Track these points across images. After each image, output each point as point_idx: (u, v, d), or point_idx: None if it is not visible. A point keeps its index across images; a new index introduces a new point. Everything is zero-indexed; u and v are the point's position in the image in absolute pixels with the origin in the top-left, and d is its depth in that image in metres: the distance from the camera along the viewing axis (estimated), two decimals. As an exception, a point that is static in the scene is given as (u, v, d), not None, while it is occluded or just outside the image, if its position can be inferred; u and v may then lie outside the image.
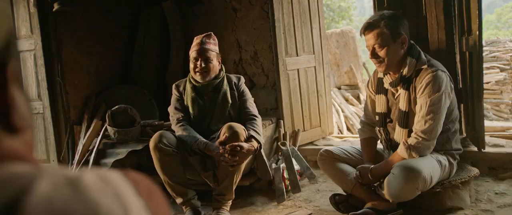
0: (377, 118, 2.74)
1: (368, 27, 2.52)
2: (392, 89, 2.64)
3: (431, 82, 2.41)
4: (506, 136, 3.50)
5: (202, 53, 2.86)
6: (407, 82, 2.53)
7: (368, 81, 2.90)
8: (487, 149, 3.09)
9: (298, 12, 3.87)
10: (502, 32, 23.06)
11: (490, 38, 11.30)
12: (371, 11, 4.02)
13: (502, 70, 8.29)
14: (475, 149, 3.11)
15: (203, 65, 2.85)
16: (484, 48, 8.58)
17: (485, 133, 3.09)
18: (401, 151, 2.49)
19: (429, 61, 2.53)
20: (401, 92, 2.56)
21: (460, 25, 3.16)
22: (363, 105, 6.78)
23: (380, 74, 2.69)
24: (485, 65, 6.98)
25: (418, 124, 2.44)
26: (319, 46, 4.08)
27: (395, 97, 2.64)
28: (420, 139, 2.42)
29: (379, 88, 2.71)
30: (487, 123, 3.62)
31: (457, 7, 3.17)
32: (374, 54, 2.53)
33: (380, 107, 2.71)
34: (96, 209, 0.39)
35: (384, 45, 2.48)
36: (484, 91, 3.89)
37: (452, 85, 2.53)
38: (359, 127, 2.92)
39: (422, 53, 2.56)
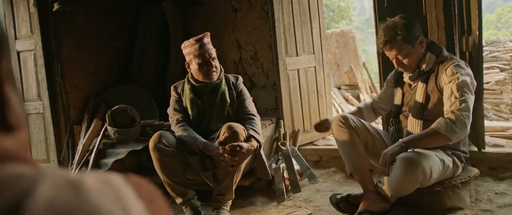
0: (393, 108, 2.82)
1: (386, 44, 2.56)
2: (410, 82, 2.70)
3: (456, 69, 2.46)
4: (506, 136, 3.50)
5: (210, 53, 2.87)
6: (426, 76, 2.59)
7: (388, 76, 2.97)
8: (487, 149, 3.10)
9: (298, 12, 3.87)
10: (502, 32, 23.05)
11: (490, 38, 11.30)
12: (371, 11, 4.02)
13: (502, 70, 8.28)
14: (475, 149, 3.11)
15: (215, 64, 2.88)
16: (484, 48, 8.58)
17: (485, 133, 3.09)
18: (439, 125, 2.38)
19: (451, 56, 2.61)
20: (419, 84, 2.61)
21: (460, 25, 3.16)
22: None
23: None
24: (485, 65, 6.97)
25: (453, 105, 2.40)
26: (319, 46, 4.08)
27: (412, 88, 2.69)
28: (459, 114, 2.36)
29: (398, 81, 2.79)
30: (487, 123, 3.62)
31: (457, 7, 3.17)
32: (400, 64, 2.61)
33: (397, 99, 2.78)
34: (98, 212, 0.39)
35: (407, 55, 2.55)
36: (484, 91, 3.89)
37: (475, 83, 2.54)
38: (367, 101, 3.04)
39: (444, 50, 2.62)
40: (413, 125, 2.60)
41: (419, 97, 2.60)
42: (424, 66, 2.58)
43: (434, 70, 2.57)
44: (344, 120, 2.71)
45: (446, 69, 2.50)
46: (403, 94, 2.75)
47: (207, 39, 2.90)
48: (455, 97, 2.41)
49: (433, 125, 2.43)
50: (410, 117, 2.62)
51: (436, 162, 2.48)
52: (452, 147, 2.59)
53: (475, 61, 2.92)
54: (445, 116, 2.41)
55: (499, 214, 2.57)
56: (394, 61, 2.63)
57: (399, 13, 3.43)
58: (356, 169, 2.66)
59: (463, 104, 2.38)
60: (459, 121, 2.36)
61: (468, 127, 2.41)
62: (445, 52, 2.60)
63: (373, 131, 2.78)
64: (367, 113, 2.95)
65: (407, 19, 2.57)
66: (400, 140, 2.51)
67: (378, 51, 3.54)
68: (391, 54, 2.60)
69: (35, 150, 4.02)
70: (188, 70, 2.97)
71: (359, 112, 2.95)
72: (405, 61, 2.57)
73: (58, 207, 0.38)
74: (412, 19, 2.60)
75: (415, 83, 2.66)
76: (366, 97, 7.11)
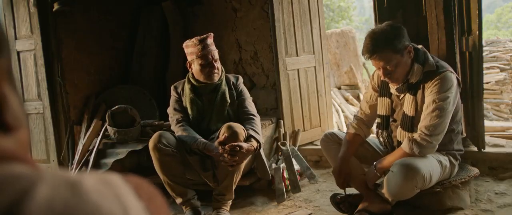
0: (378, 120, 2.73)
1: (373, 54, 2.43)
2: (397, 93, 2.61)
3: (440, 83, 2.40)
4: (506, 136, 3.50)
5: (213, 54, 2.86)
6: (414, 88, 2.50)
7: (373, 74, 2.80)
8: (487, 149, 3.09)
9: (298, 12, 3.87)
10: (502, 32, 23.06)
11: (490, 38, 11.30)
12: (371, 11, 4.02)
13: (502, 70, 8.28)
14: (475, 149, 3.11)
15: (217, 66, 2.88)
16: (484, 48, 8.58)
17: (485, 133, 3.09)
18: (404, 144, 2.47)
19: (437, 62, 2.51)
20: (407, 96, 2.53)
21: (460, 25, 3.16)
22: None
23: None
24: (485, 65, 6.97)
25: (423, 121, 2.42)
26: (319, 46, 4.08)
27: (400, 98, 2.62)
28: (423, 135, 2.40)
29: (383, 91, 2.67)
30: (487, 123, 3.62)
31: (457, 7, 3.17)
32: (386, 74, 2.48)
33: (383, 110, 2.68)
34: (97, 212, 0.39)
35: (396, 65, 2.43)
36: (484, 91, 3.90)
37: (460, 87, 2.51)
38: (351, 121, 2.82)
39: (428, 55, 2.53)
40: (403, 137, 2.55)
41: (408, 110, 2.53)
42: (413, 78, 2.49)
43: (422, 82, 2.48)
44: (331, 136, 2.82)
45: (431, 82, 2.43)
46: (392, 103, 2.66)
47: (210, 40, 2.89)
48: (428, 113, 2.41)
49: (403, 146, 2.48)
50: (400, 129, 2.57)
51: (435, 165, 2.48)
52: (445, 148, 2.57)
53: (475, 61, 2.92)
54: (414, 135, 2.44)
55: (499, 214, 2.57)
56: (380, 71, 2.50)
57: (398, 14, 3.43)
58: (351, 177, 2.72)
59: (431, 122, 2.38)
60: (422, 141, 2.40)
61: (436, 144, 2.42)
62: (431, 59, 2.50)
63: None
64: (364, 132, 2.77)
65: (396, 28, 2.46)
66: (374, 163, 2.60)
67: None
68: (378, 64, 2.47)
69: (35, 150, 4.02)
70: (189, 70, 2.96)
71: (357, 137, 2.74)
72: (393, 72, 2.46)
73: (58, 207, 0.38)
74: (400, 27, 2.49)
75: (403, 95, 2.58)
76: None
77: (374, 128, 2.88)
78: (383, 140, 2.73)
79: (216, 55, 2.89)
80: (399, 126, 2.58)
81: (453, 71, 2.51)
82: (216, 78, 2.89)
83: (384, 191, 2.48)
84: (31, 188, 0.39)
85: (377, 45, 2.42)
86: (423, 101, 2.48)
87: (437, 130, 2.39)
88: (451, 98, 2.41)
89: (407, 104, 2.53)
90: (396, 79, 2.51)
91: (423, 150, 2.41)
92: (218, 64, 2.90)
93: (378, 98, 2.71)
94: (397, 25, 2.51)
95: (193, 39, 2.87)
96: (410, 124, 2.51)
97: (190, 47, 2.88)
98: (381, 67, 2.47)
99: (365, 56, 2.50)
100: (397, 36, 2.42)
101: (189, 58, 2.91)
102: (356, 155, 2.77)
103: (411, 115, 2.51)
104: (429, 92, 2.43)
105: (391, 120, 2.69)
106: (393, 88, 2.61)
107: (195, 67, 2.89)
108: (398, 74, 2.47)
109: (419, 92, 2.50)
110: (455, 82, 2.45)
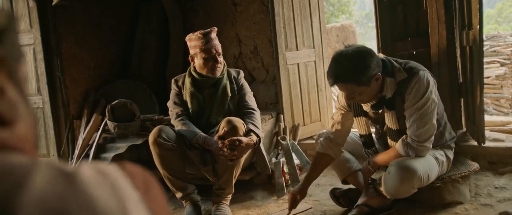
0: (361, 139, 2.69)
1: (336, 83, 2.31)
2: (373, 111, 2.53)
3: (417, 88, 2.33)
4: (506, 131, 3.50)
5: (217, 48, 2.85)
6: (390, 102, 2.42)
7: (338, 96, 2.68)
8: (487, 144, 3.09)
9: (298, 6, 3.86)
10: (502, 26, 23.04)
11: (490, 33, 11.27)
12: (371, 6, 4.00)
13: (502, 64, 8.28)
14: (475, 143, 3.11)
15: (220, 60, 2.87)
16: (485, 43, 8.56)
17: (485, 128, 3.09)
18: (398, 146, 2.44)
19: (405, 66, 2.40)
20: (386, 112, 2.47)
21: (460, 19, 3.15)
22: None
23: None
24: (485, 59, 6.95)
25: (410, 129, 2.37)
26: (319, 41, 4.07)
27: (379, 113, 2.54)
28: (416, 142, 2.37)
29: (357, 111, 2.58)
30: (487, 118, 3.62)
31: (457, 1, 3.16)
32: (350, 98, 2.39)
33: (362, 129, 2.63)
34: (92, 204, 0.39)
35: (360, 94, 2.34)
36: (484, 86, 3.89)
37: (434, 79, 2.44)
38: (322, 139, 2.68)
39: (393, 62, 2.40)
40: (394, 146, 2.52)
41: (391, 124, 2.47)
42: (388, 94, 2.38)
43: (398, 93, 2.38)
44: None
45: (410, 92, 2.35)
46: (369, 121, 2.61)
47: (214, 34, 2.88)
48: (413, 121, 2.35)
49: (396, 145, 2.45)
50: (389, 140, 2.55)
51: (432, 163, 2.46)
52: (438, 144, 2.55)
53: (476, 55, 2.91)
54: (408, 139, 2.39)
55: (499, 208, 2.57)
56: (344, 96, 2.44)
57: (398, 8, 3.42)
58: (346, 173, 2.74)
59: (419, 130, 2.34)
60: (415, 145, 2.37)
61: (430, 146, 2.39)
62: (396, 65, 2.38)
63: (356, 140, 2.81)
64: (334, 151, 2.65)
65: (363, 58, 2.26)
66: (368, 158, 2.61)
67: (379, 47, 3.49)
68: (342, 90, 2.40)
69: (36, 145, 4.02)
70: (192, 63, 2.94)
71: (327, 157, 2.66)
72: (358, 98, 2.37)
73: (52, 199, 0.38)
74: (368, 55, 2.27)
75: (381, 111, 2.51)
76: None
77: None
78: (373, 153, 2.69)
79: (220, 50, 2.88)
80: (389, 139, 2.56)
81: (423, 68, 2.42)
82: (218, 72, 2.88)
83: (382, 189, 2.48)
84: (26, 179, 0.38)
85: (340, 77, 2.29)
86: (404, 109, 2.41)
87: (427, 134, 2.36)
88: (431, 98, 2.35)
89: (389, 120, 2.48)
90: (361, 101, 2.45)
91: (418, 154, 2.39)
92: (221, 59, 2.88)
93: (354, 118, 2.62)
94: (365, 54, 2.28)
95: (197, 33, 2.85)
96: (398, 135, 2.48)
97: (193, 41, 2.86)
98: (344, 93, 2.42)
99: (329, 81, 2.38)
100: (363, 70, 2.25)
101: (192, 51, 2.90)
102: (352, 153, 2.78)
103: (395, 128, 2.48)
104: (409, 99, 2.36)
105: (376, 136, 2.67)
106: (367, 107, 2.54)
107: (198, 61, 2.87)
108: (362, 98, 2.39)
109: (398, 105, 2.42)
110: (430, 80, 2.37)
